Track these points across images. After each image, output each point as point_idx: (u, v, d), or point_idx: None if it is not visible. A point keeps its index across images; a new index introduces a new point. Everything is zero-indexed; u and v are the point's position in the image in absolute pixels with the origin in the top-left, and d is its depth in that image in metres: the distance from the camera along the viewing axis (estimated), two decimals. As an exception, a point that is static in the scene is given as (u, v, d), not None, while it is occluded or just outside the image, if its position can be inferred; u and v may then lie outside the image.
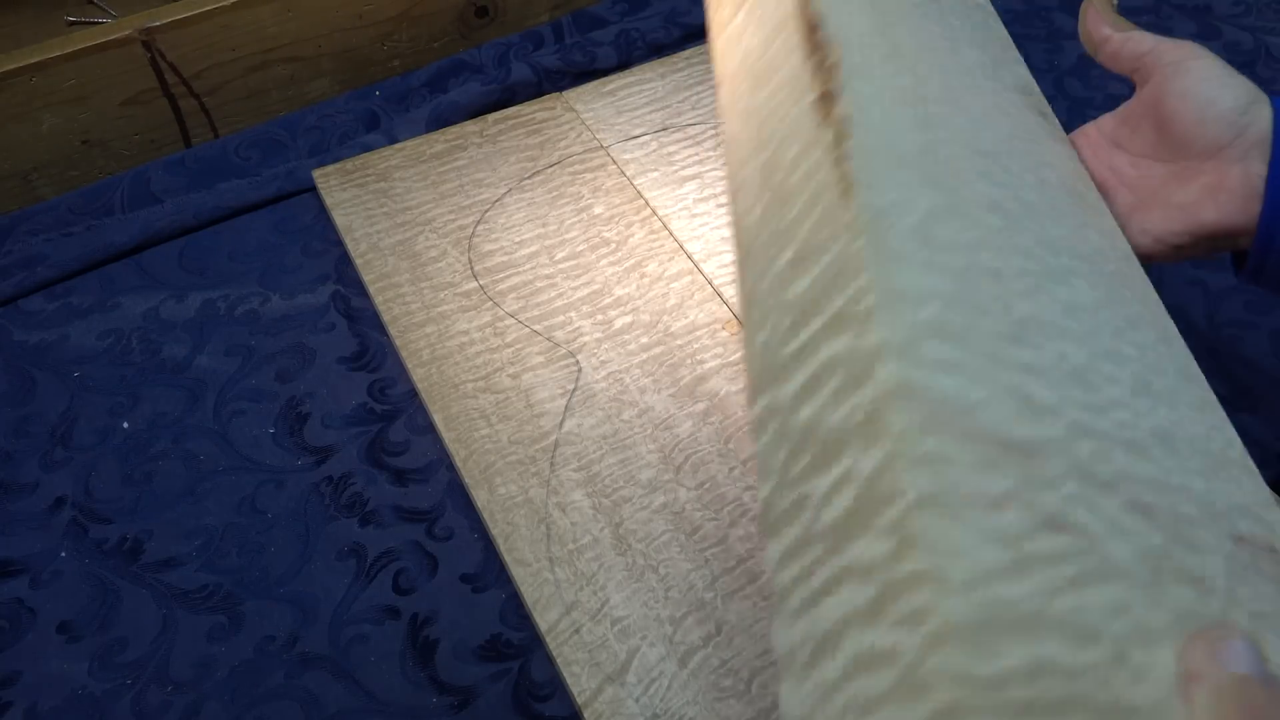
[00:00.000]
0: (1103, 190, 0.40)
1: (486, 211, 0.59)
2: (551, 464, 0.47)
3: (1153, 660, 0.25)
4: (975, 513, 0.26)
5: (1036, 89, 0.45)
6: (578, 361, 0.51)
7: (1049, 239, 0.34)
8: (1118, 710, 0.24)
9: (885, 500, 0.26)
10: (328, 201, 0.60)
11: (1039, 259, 0.33)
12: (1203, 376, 0.36)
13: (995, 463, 0.27)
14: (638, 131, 0.63)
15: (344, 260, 0.58)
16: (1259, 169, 0.36)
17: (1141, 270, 0.38)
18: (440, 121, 0.65)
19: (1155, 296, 0.37)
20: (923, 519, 0.25)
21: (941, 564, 0.25)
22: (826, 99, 0.33)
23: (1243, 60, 0.71)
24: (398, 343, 0.52)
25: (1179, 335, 0.37)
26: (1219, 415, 0.34)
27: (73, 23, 0.68)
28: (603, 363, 0.51)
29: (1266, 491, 0.33)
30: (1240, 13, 0.75)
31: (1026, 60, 0.72)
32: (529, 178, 0.61)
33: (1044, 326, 0.32)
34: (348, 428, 0.51)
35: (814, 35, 0.35)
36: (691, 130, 0.63)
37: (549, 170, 0.62)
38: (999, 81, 0.41)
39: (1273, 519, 0.32)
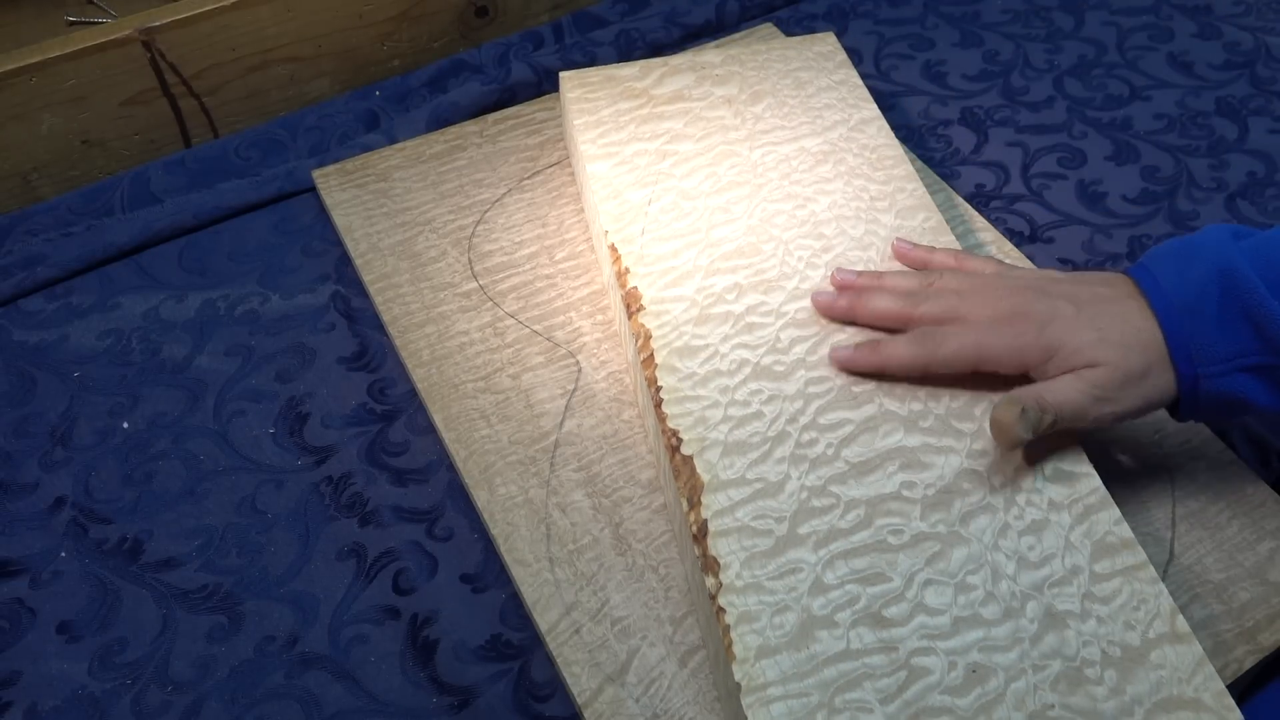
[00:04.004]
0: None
1: (486, 211, 0.59)
2: (551, 464, 0.47)
3: None
4: None
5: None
6: (578, 361, 0.51)
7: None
8: None
9: None
10: (327, 201, 0.60)
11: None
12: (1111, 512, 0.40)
13: None
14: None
15: (344, 260, 0.58)
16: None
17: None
18: (440, 121, 0.65)
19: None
20: None
21: None
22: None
23: (1243, 60, 0.71)
24: (398, 343, 0.52)
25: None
26: (1142, 574, 0.38)
27: (73, 23, 0.68)
28: (603, 363, 0.51)
29: (1194, 653, 0.36)
30: (1240, 13, 0.75)
31: (1026, 61, 0.72)
32: (529, 178, 0.61)
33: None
34: (348, 428, 0.51)
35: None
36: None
37: (549, 170, 0.61)
38: None
39: (1196, 690, 0.35)
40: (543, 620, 0.42)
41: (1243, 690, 0.42)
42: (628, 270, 0.48)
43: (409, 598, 0.44)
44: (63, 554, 0.46)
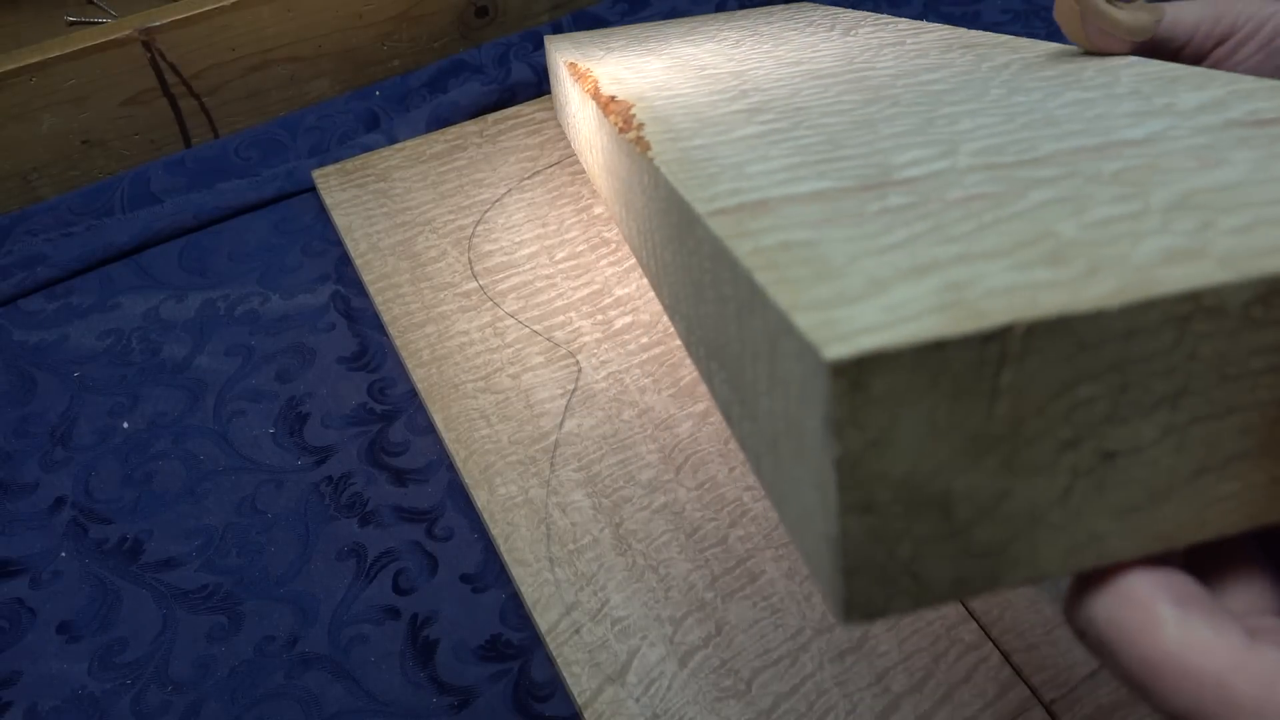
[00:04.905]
0: None
1: (486, 211, 0.59)
2: (551, 464, 0.47)
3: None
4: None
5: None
6: (578, 361, 0.51)
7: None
8: None
9: None
10: (327, 201, 0.60)
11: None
12: None
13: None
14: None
15: (344, 260, 0.58)
16: None
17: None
18: (440, 121, 0.65)
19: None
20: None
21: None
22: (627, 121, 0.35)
23: (1243, 60, 0.71)
24: (398, 343, 0.52)
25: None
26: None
27: (73, 23, 0.68)
28: (603, 363, 0.51)
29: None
30: (1240, 13, 0.75)
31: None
32: (529, 178, 0.61)
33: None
34: (348, 428, 0.51)
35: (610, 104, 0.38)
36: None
37: (549, 170, 0.61)
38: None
39: None
40: (543, 620, 0.42)
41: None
42: (588, 70, 0.46)
43: (409, 598, 0.44)
44: (63, 554, 0.46)
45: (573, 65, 0.48)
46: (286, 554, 0.46)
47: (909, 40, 0.42)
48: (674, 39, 0.52)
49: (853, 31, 0.47)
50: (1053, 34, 0.73)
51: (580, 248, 0.57)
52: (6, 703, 0.41)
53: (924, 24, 0.46)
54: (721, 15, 0.58)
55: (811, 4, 0.60)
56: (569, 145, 0.62)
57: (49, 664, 0.43)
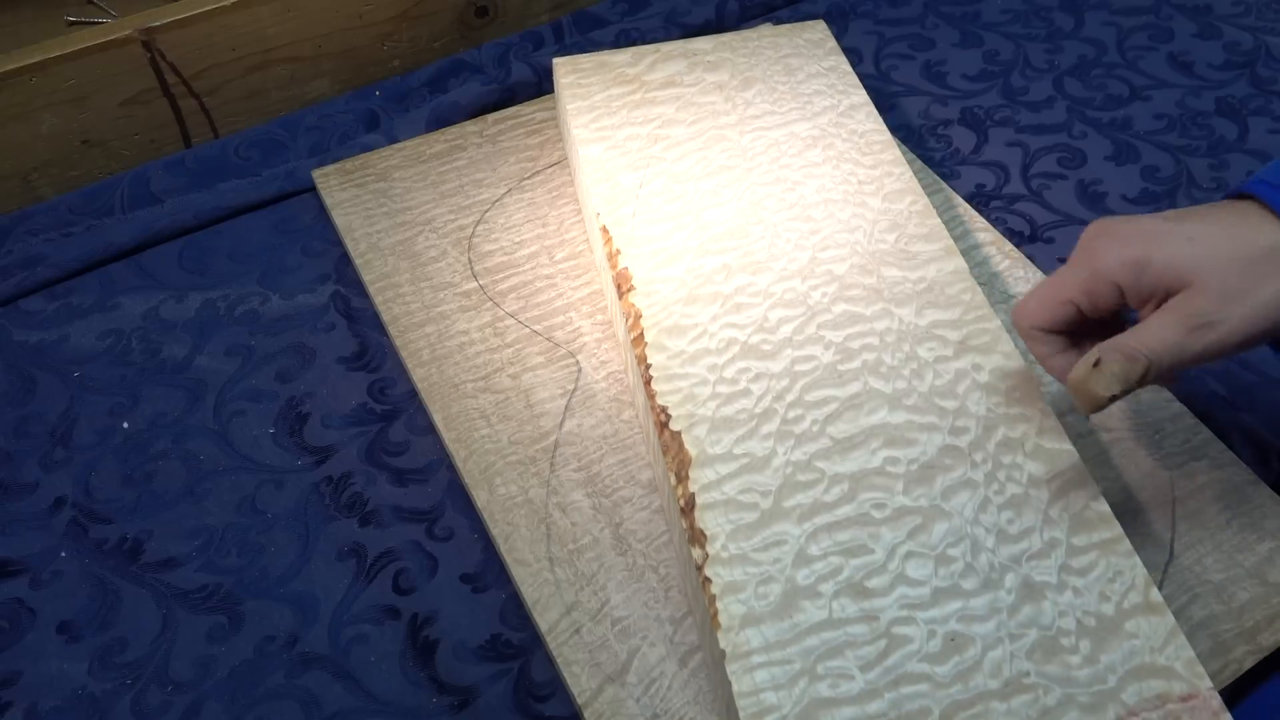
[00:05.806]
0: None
1: (486, 211, 0.59)
2: (551, 464, 0.47)
3: None
4: None
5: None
6: (578, 361, 0.51)
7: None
8: None
9: None
10: (328, 201, 0.60)
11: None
12: (1093, 491, 0.41)
13: None
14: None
15: (344, 260, 0.58)
16: None
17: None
18: (440, 121, 0.65)
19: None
20: None
21: None
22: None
23: (1243, 60, 0.71)
24: (398, 343, 0.52)
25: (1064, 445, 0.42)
26: (1118, 547, 0.39)
27: (73, 23, 0.68)
28: (603, 363, 0.51)
29: (1167, 623, 0.37)
30: (1240, 13, 0.75)
31: (1026, 61, 0.72)
32: (529, 178, 0.61)
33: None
34: (348, 428, 0.51)
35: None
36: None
37: (549, 170, 0.62)
38: None
39: (1168, 659, 0.36)
40: (543, 620, 0.42)
41: (1243, 691, 0.42)
42: (619, 251, 0.49)
43: (409, 598, 0.44)
44: (63, 554, 0.46)
45: (606, 233, 0.50)
46: (286, 554, 0.46)
47: (910, 316, 0.47)
48: (697, 165, 0.53)
49: (869, 199, 0.51)
50: (1052, 34, 0.73)
51: (580, 248, 0.57)
52: (6, 703, 0.41)
53: (935, 230, 0.50)
54: (741, 97, 0.57)
55: (821, 50, 0.60)
56: (562, 130, 0.62)
57: (49, 664, 0.43)
